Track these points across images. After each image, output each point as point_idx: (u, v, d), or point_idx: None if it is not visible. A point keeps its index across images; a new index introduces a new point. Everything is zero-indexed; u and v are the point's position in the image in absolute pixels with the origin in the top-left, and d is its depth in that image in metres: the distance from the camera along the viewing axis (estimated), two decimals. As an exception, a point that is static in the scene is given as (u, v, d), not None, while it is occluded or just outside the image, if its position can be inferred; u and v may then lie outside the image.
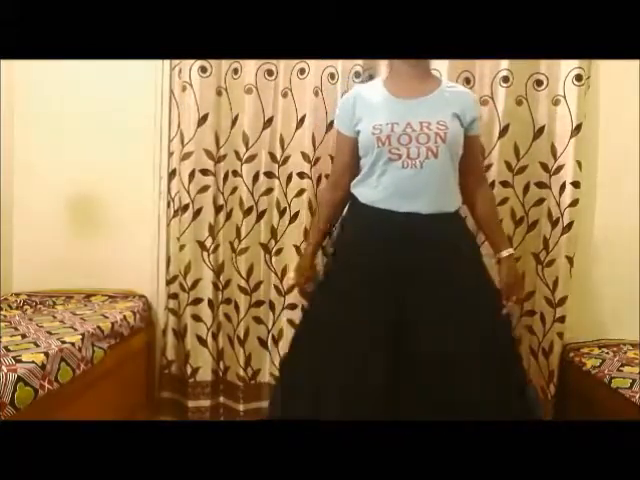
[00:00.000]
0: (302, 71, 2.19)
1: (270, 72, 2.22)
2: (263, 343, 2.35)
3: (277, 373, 2.31)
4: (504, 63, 2.12)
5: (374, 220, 1.68)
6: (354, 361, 1.60)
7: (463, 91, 1.77)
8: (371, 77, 2.18)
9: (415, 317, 1.61)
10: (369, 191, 1.70)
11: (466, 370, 1.58)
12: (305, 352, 1.75)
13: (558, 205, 2.16)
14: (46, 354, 1.55)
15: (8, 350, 1.57)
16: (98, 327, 1.88)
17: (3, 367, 1.42)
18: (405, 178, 1.63)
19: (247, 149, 2.25)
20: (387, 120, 1.63)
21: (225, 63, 2.23)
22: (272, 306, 2.31)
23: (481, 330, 1.61)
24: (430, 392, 1.57)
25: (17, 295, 2.27)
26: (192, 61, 2.18)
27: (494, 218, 1.83)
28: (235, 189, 2.29)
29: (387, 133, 1.62)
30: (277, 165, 2.25)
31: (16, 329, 1.84)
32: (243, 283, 2.30)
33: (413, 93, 1.67)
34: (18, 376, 1.41)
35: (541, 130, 2.18)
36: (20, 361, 1.49)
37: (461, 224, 1.76)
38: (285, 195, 2.25)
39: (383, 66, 1.99)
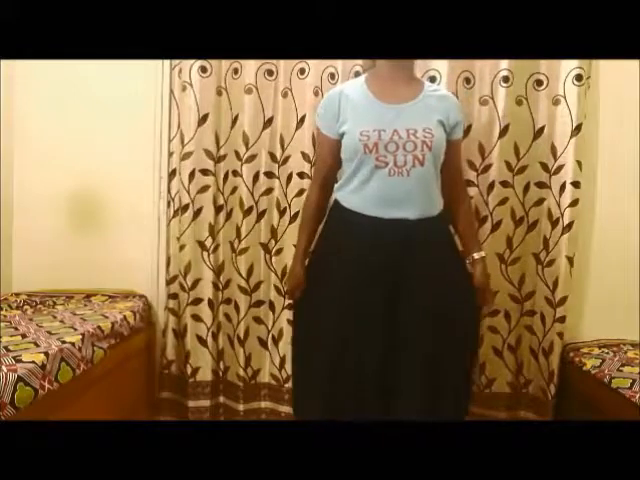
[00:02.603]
0: (302, 71, 2.19)
1: (270, 72, 2.22)
2: (263, 343, 2.35)
3: (277, 373, 2.32)
4: (504, 63, 2.12)
5: (361, 227, 1.66)
6: (353, 365, 1.67)
7: (446, 95, 1.76)
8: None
9: (405, 321, 1.64)
10: (353, 196, 1.68)
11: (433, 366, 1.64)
12: (302, 360, 1.82)
13: (558, 205, 2.16)
14: (46, 354, 1.55)
15: (8, 350, 1.57)
16: (98, 327, 1.88)
17: (3, 367, 1.42)
18: (392, 185, 1.63)
19: (247, 149, 2.25)
20: (374, 127, 1.61)
21: (225, 63, 2.23)
22: (272, 306, 2.31)
23: (453, 328, 1.67)
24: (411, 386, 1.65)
25: (17, 295, 2.27)
26: (192, 61, 2.19)
27: (471, 221, 1.87)
28: (235, 189, 2.29)
29: (374, 140, 1.60)
30: (277, 165, 2.25)
31: (16, 329, 1.83)
32: (243, 283, 2.30)
33: (399, 98, 1.66)
34: (18, 376, 1.41)
35: (541, 130, 2.17)
36: (20, 361, 1.49)
37: (444, 226, 1.78)
38: (285, 195, 2.25)
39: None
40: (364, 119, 1.64)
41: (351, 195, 1.69)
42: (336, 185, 1.77)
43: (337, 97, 1.70)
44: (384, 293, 1.64)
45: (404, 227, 1.63)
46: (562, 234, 2.16)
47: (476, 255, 1.78)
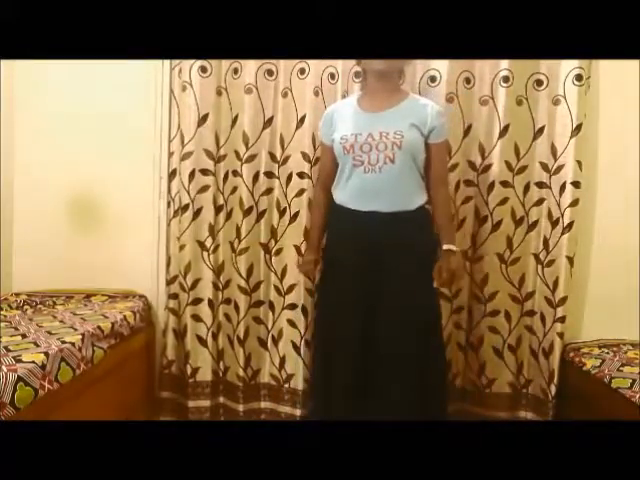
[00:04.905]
0: (302, 71, 2.19)
1: (270, 72, 2.22)
2: (263, 343, 2.35)
3: (277, 373, 2.32)
4: (504, 63, 2.13)
5: (345, 218, 1.91)
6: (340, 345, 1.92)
7: (426, 104, 1.89)
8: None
9: (375, 301, 1.86)
10: (340, 193, 1.93)
11: (393, 358, 1.84)
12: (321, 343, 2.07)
13: (558, 205, 2.17)
14: (46, 354, 1.55)
15: (8, 350, 1.57)
16: (98, 327, 1.88)
17: (3, 367, 1.42)
18: (367, 181, 1.85)
19: (247, 149, 2.25)
20: (352, 131, 1.86)
21: (225, 63, 2.23)
22: (272, 306, 2.31)
23: (410, 318, 1.84)
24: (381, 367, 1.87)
25: (17, 295, 2.27)
26: (192, 61, 2.18)
27: (445, 216, 1.95)
28: (235, 189, 2.29)
29: (351, 142, 1.85)
30: (277, 165, 2.25)
31: (16, 329, 1.84)
32: (243, 283, 2.30)
33: (379, 107, 1.87)
34: (18, 376, 1.41)
35: (541, 130, 2.18)
36: (20, 361, 1.49)
37: (421, 220, 1.91)
38: (285, 195, 2.25)
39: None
40: (346, 125, 1.89)
41: (339, 192, 1.94)
42: (333, 185, 1.98)
43: (332, 110, 1.98)
44: (360, 280, 1.86)
45: (378, 218, 1.84)
46: (562, 234, 2.16)
47: (444, 247, 1.89)
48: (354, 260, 1.87)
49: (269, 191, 2.28)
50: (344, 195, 1.90)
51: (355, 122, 1.87)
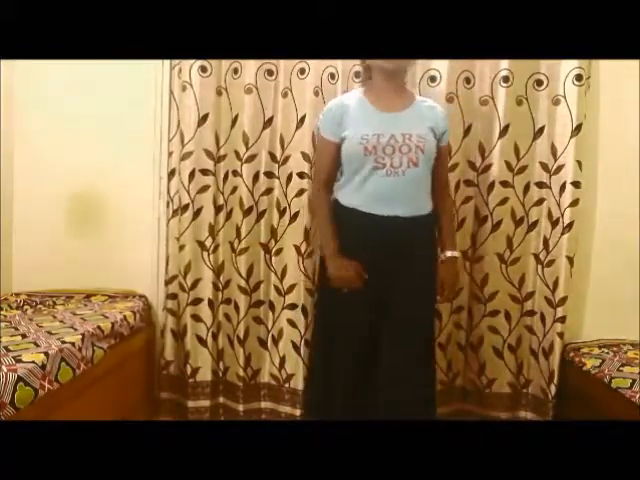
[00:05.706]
0: (302, 71, 2.19)
1: (270, 72, 2.22)
2: (263, 343, 2.34)
3: (277, 373, 2.32)
4: (504, 63, 2.13)
5: (359, 222, 1.82)
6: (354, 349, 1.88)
7: (434, 105, 1.90)
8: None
9: (390, 300, 1.82)
10: (352, 195, 1.83)
11: (396, 355, 1.82)
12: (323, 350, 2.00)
13: (558, 205, 2.17)
14: (46, 354, 1.55)
15: (8, 350, 1.57)
16: (98, 327, 1.88)
17: (3, 367, 1.42)
18: (387, 185, 1.78)
19: (247, 149, 2.25)
20: (373, 131, 1.77)
21: (225, 63, 2.23)
22: (272, 306, 2.31)
23: (415, 318, 1.84)
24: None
25: (17, 295, 2.27)
26: (192, 61, 2.18)
27: (447, 221, 1.96)
28: (235, 189, 2.29)
29: (373, 143, 1.76)
30: (277, 165, 2.25)
31: (16, 329, 1.84)
32: (243, 283, 2.30)
33: (394, 107, 1.82)
34: (18, 376, 1.41)
35: (541, 130, 2.18)
36: (20, 361, 1.49)
37: (431, 224, 1.90)
38: (285, 195, 2.25)
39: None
40: (364, 125, 1.79)
41: (351, 194, 1.83)
42: (335, 186, 1.90)
43: (339, 104, 1.86)
44: (376, 283, 1.81)
45: (395, 223, 1.79)
46: (562, 234, 2.16)
47: (449, 253, 1.91)
48: (371, 264, 1.81)
49: (269, 191, 2.28)
50: (358, 198, 1.81)
51: (374, 122, 1.79)
